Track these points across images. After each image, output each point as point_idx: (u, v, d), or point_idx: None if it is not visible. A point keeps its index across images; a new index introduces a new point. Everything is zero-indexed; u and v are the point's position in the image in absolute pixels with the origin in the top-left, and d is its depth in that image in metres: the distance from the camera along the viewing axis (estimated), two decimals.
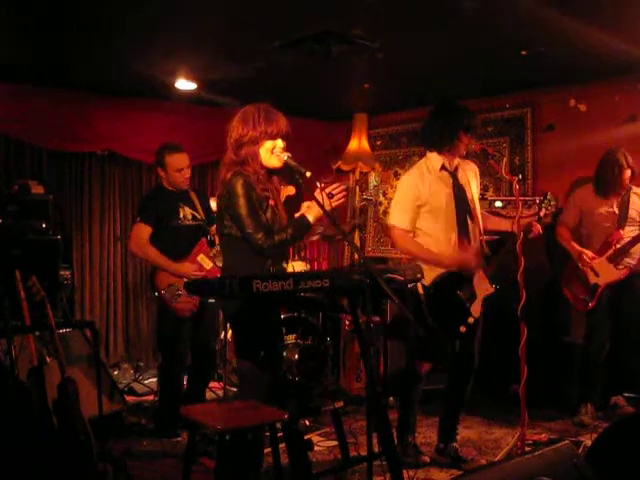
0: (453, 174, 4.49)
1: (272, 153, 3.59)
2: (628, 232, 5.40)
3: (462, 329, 4.33)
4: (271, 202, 3.60)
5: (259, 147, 3.59)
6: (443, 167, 4.46)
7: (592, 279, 5.44)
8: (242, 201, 3.49)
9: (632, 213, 5.45)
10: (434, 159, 4.48)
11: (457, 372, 4.64)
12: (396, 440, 4.50)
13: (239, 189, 3.50)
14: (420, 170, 4.50)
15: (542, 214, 4.44)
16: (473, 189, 4.59)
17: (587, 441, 4.51)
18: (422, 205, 4.41)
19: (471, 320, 4.34)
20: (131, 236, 5.26)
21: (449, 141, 4.40)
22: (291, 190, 4.09)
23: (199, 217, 5.21)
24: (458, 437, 4.69)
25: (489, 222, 4.69)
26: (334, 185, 3.51)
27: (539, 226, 4.41)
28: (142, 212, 5.21)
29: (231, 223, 3.57)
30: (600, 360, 5.46)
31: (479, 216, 4.58)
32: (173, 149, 5.16)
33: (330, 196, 3.46)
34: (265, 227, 3.52)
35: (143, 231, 5.09)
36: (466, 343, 4.51)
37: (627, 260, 5.40)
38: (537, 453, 2.87)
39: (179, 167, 5.11)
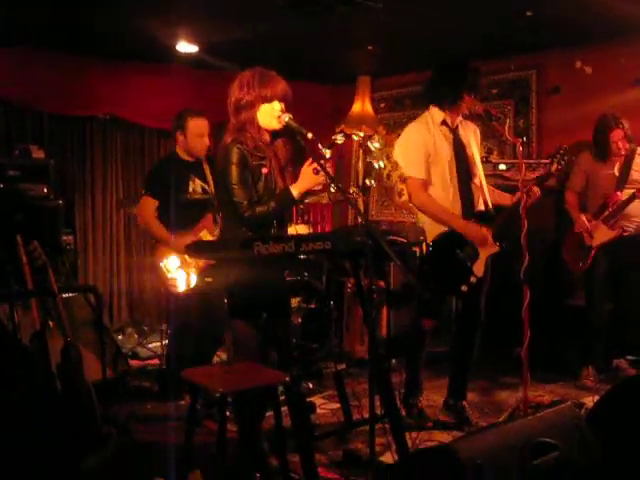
0: (454, 131, 4.47)
1: (271, 116, 3.58)
2: (628, 194, 5.39)
3: (464, 288, 4.32)
4: (264, 170, 3.58)
5: (256, 111, 3.58)
6: (444, 122, 4.45)
7: (587, 241, 5.49)
8: (234, 168, 3.51)
9: (634, 175, 5.43)
10: (436, 113, 4.46)
11: (463, 329, 4.64)
12: (400, 400, 4.53)
13: (233, 157, 3.52)
14: (425, 120, 4.49)
15: (554, 169, 4.40)
16: (474, 148, 4.56)
17: (589, 403, 4.51)
18: (430, 155, 4.39)
19: (473, 279, 4.33)
20: (138, 208, 5.27)
21: (452, 99, 4.39)
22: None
23: (209, 190, 5.13)
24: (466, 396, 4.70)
25: (492, 196, 4.64)
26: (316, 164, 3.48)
27: (537, 190, 4.37)
28: (149, 186, 5.17)
29: None
30: (601, 323, 5.48)
31: (481, 174, 4.55)
32: (196, 113, 5.10)
33: (315, 172, 3.45)
34: (251, 197, 3.52)
35: (149, 204, 5.08)
36: (471, 300, 4.50)
37: (624, 223, 5.41)
38: (538, 415, 2.89)
39: (200, 132, 5.05)
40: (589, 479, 2.71)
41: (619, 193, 5.39)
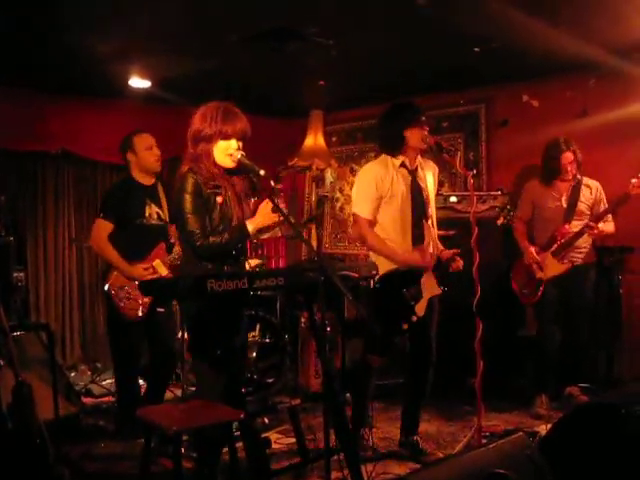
0: (412, 173, 4.52)
1: (226, 154, 3.61)
2: (576, 226, 5.43)
3: (405, 326, 4.37)
4: (219, 199, 3.60)
5: (213, 145, 3.61)
6: (403, 164, 4.50)
7: (537, 274, 5.54)
8: (187, 197, 3.54)
9: (581, 206, 5.49)
10: (392, 158, 4.52)
11: (414, 367, 4.68)
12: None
13: (187, 185, 3.55)
14: (384, 162, 4.53)
15: (499, 222, 4.55)
16: (430, 189, 4.62)
17: (542, 431, 4.56)
18: (382, 197, 4.44)
19: (414, 318, 4.37)
20: (92, 230, 5.12)
21: (396, 141, 4.46)
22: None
23: (163, 217, 5.10)
24: (418, 431, 4.73)
25: None
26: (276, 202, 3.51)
27: (460, 262, 4.47)
28: (105, 208, 5.07)
29: None
30: (552, 352, 5.55)
31: (434, 216, 4.62)
32: (139, 130, 5.15)
33: (274, 210, 3.47)
34: (204, 226, 3.54)
35: (104, 228, 4.97)
36: (420, 339, 4.56)
37: (573, 255, 5.48)
38: (492, 446, 2.91)
39: (149, 144, 5.06)
40: None
41: (567, 226, 5.45)
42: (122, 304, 4.95)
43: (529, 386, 5.76)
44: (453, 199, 6.21)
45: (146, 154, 5.05)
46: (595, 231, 5.33)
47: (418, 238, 4.48)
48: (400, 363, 4.80)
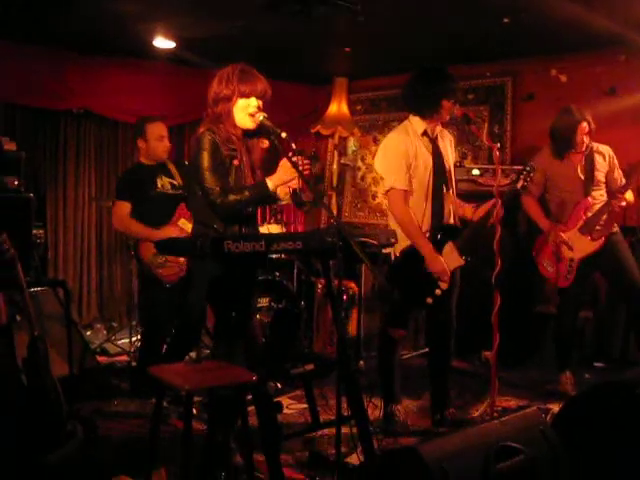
0: (434, 141, 4.46)
1: (247, 113, 3.58)
2: (598, 197, 5.19)
3: (429, 300, 4.33)
4: (235, 162, 3.58)
5: (232, 105, 3.59)
6: (425, 133, 4.42)
7: (567, 254, 5.23)
8: (205, 155, 3.52)
9: (598, 175, 5.21)
10: (417, 123, 4.43)
11: (437, 341, 4.66)
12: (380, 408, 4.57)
13: (205, 144, 3.53)
14: (405, 130, 4.44)
15: (519, 185, 4.38)
16: (450, 160, 4.56)
17: (555, 408, 4.54)
18: (410, 165, 4.35)
19: (438, 292, 4.33)
20: (113, 215, 5.28)
21: (432, 107, 4.36)
22: (265, 143, 4.01)
23: (177, 184, 5.20)
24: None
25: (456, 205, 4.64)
26: (298, 156, 3.47)
27: (501, 210, 4.27)
28: (118, 191, 5.23)
29: None
30: (574, 330, 5.42)
31: (454, 187, 4.56)
32: (154, 118, 5.22)
33: (294, 165, 3.42)
34: (223, 184, 3.51)
35: (122, 207, 5.10)
36: (441, 311, 4.52)
37: (600, 228, 5.15)
38: (504, 419, 2.90)
39: (160, 135, 5.14)
40: None
41: (589, 198, 5.18)
42: (161, 271, 5.02)
43: (545, 362, 5.72)
44: (475, 172, 6.13)
45: (156, 143, 5.14)
46: (623, 203, 5.06)
47: (438, 210, 4.42)
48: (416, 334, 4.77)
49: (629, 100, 6.01)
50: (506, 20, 5.44)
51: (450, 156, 4.58)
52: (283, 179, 3.50)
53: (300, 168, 3.39)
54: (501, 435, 2.72)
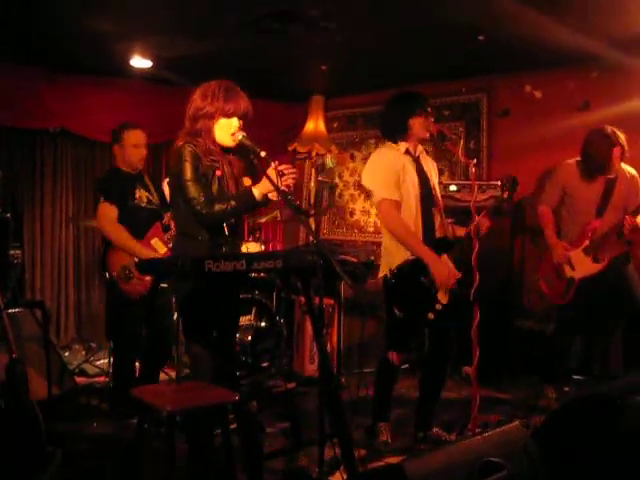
0: (417, 160, 4.49)
1: (227, 132, 3.59)
2: (611, 220, 5.07)
3: (430, 316, 4.30)
4: (218, 173, 3.58)
5: (214, 123, 3.58)
6: (407, 151, 4.45)
7: (568, 272, 5.21)
8: (187, 166, 3.50)
9: (616, 199, 5.10)
10: (395, 145, 4.47)
11: (434, 360, 4.60)
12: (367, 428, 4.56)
13: (186, 155, 3.51)
14: (392, 148, 4.47)
15: (505, 196, 4.39)
16: (434, 178, 4.59)
17: (537, 422, 4.56)
18: (398, 178, 4.34)
19: (439, 307, 4.31)
20: (99, 216, 5.08)
21: (401, 130, 4.41)
22: (247, 182, 4.01)
23: (154, 201, 5.15)
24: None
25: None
26: (285, 165, 3.48)
27: (487, 222, 4.36)
28: (107, 191, 5.04)
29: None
30: (567, 351, 5.46)
31: (440, 204, 4.58)
32: (132, 125, 5.15)
33: (281, 174, 3.43)
34: (207, 195, 3.50)
35: (111, 210, 4.96)
36: (440, 331, 4.48)
37: (606, 252, 5.10)
38: (486, 434, 2.91)
39: (137, 142, 5.07)
40: None
41: (599, 222, 5.10)
42: (125, 286, 4.95)
43: (524, 377, 5.75)
44: (453, 188, 6.18)
45: (133, 151, 5.07)
46: (630, 223, 4.92)
47: (428, 223, 4.41)
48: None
49: (602, 114, 6.05)
50: (481, 38, 5.49)
51: (434, 176, 4.61)
52: (269, 187, 3.49)
53: (284, 179, 3.40)
54: (484, 451, 2.73)
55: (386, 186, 4.33)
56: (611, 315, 5.50)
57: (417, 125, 4.40)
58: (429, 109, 4.45)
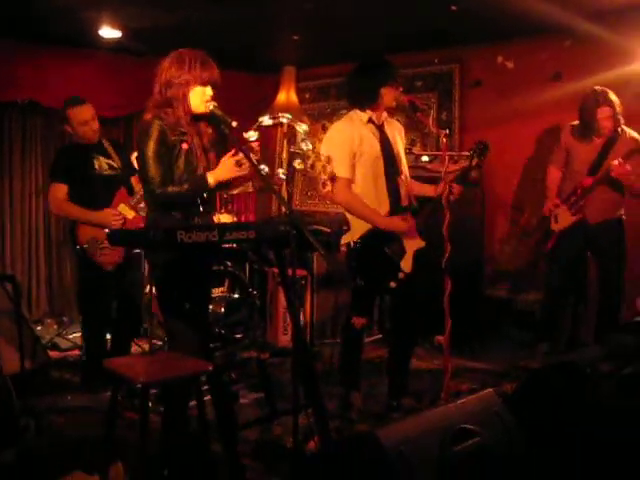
0: (380, 128, 4.48)
1: (202, 100, 3.56)
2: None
3: (392, 284, 4.34)
4: (184, 146, 3.55)
5: (189, 90, 3.55)
6: (370, 120, 4.45)
7: (552, 225, 5.48)
8: (151, 144, 3.48)
9: (612, 161, 5.14)
10: (360, 113, 4.47)
11: (400, 328, 4.66)
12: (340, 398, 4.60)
13: (152, 131, 3.49)
14: (350, 118, 4.49)
15: (474, 163, 4.42)
16: (399, 145, 4.59)
17: (508, 389, 4.61)
18: (355, 154, 4.38)
19: (401, 275, 4.35)
20: (49, 198, 5.16)
21: (370, 98, 4.41)
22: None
23: (116, 166, 5.11)
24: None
25: (413, 187, 4.67)
26: (240, 156, 3.47)
27: (458, 187, 4.39)
28: (54, 172, 5.11)
29: None
30: (556, 305, 5.64)
31: (406, 171, 4.59)
32: (74, 102, 5.02)
33: (238, 164, 3.48)
34: (164, 174, 3.48)
35: (58, 190, 4.99)
36: (405, 298, 4.52)
37: (589, 207, 5.30)
38: (460, 402, 2.94)
39: (83, 119, 4.98)
40: (510, 465, 2.77)
41: (589, 178, 5.25)
42: (99, 257, 4.95)
43: (494, 344, 5.83)
44: (425, 158, 6.20)
45: (82, 128, 5.00)
46: (621, 167, 5.05)
47: (393, 193, 4.44)
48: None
49: (575, 85, 6.06)
50: (454, 8, 5.47)
51: (400, 143, 4.61)
52: (224, 176, 3.52)
53: (252, 156, 3.40)
54: (457, 418, 2.76)
55: (339, 163, 4.36)
56: (585, 276, 5.64)
57: (387, 95, 4.40)
58: (399, 79, 4.45)
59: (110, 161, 5.09)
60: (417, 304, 4.57)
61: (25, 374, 4.64)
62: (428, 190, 4.56)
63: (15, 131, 7.10)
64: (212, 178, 3.51)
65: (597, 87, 5.25)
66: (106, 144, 5.16)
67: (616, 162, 5.06)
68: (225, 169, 3.52)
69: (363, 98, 4.44)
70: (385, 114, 4.53)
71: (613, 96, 5.17)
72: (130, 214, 4.99)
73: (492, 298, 6.38)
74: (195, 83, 3.54)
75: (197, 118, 3.63)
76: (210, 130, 3.71)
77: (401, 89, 4.47)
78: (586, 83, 5.84)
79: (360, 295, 4.49)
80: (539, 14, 5.41)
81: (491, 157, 5.98)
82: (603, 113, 5.16)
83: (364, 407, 4.65)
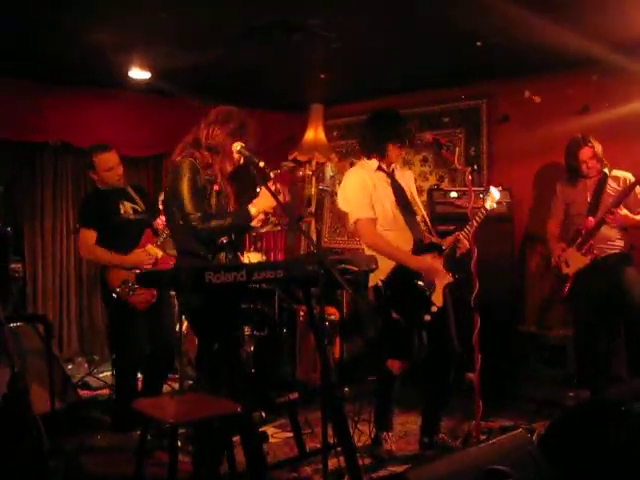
0: (390, 174, 4.54)
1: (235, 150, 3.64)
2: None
3: (427, 317, 4.32)
4: (216, 187, 3.59)
5: (232, 142, 3.66)
6: (379, 168, 4.52)
7: (564, 270, 5.47)
8: (185, 180, 3.53)
9: (608, 200, 5.33)
10: (369, 161, 4.55)
11: (436, 365, 4.59)
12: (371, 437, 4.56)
13: (184, 170, 3.55)
14: (362, 166, 4.58)
15: (488, 206, 4.50)
16: (412, 189, 4.66)
17: (540, 429, 4.54)
18: (371, 196, 4.42)
19: (434, 309, 4.33)
20: (79, 244, 5.25)
21: (378, 151, 4.50)
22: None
23: (140, 210, 5.19)
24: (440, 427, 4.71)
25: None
26: (278, 185, 3.52)
27: (466, 242, 4.41)
28: (82, 218, 5.22)
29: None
30: (589, 347, 5.52)
31: (423, 212, 4.62)
32: (99, 149, 5.13)
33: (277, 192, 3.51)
34: (204, 210, 3.51)
35: (88, 236, 5.08)
36: (440, 334, 4.48)
37: (600, 246, 5.34)
38: (492, 442, 2.89)
39: (108, 166, 5.08)
40: None
41: (591, 219, 5.34)
42: (131, 298, 5.00)
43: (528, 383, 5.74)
44: (453, 194, 6.18)
45: (107, 175, 5.10)
46: (616, 216, 5.19)
47: (416, 232, 4.46)
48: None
49: (602, 117, 6.05)
50: (479, 44, 5.48)
51: (413, 187, 4.69)
52: (265, 205, 3.53)
53: (279, 196, 3.43)
54: (489, 458, 2.71)
55: (359, 206, 4.42)
56: (611, 315, 5.52)
57: (392, 151, 4.50)
58: (407, 142, 4.60)
59: (135, 205, 5.18)
60: (454, 344, 4.52)
61: (55, 413, 4.65)
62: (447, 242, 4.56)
63: (47, 171, 7.20)
64: (254, 209, 3.55)
65: (578, 134, 5.46)
66: (129, 189, 5.24)
67: (609, 214, 5.22)
68: (264, 199, 3.55)
69: (371, 150, 4.53)
70: (394, 164, 4.58)
71: (594, 140, 5.38)
72: (159, 253, 5.05)
73: (523, 334, 6.30)
74: (235, 144, 3.62)
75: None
76: (234, 185, 3.78)
77: (406, 150, 4.54)
78: (613, 116, 5.85)
79: (397, 334, 4.42)
80: (566, 48, 5.42)
81: (520, 191, 6.03)
82: (585, 154, 5.38)
83: (395, 445, 4.60)
